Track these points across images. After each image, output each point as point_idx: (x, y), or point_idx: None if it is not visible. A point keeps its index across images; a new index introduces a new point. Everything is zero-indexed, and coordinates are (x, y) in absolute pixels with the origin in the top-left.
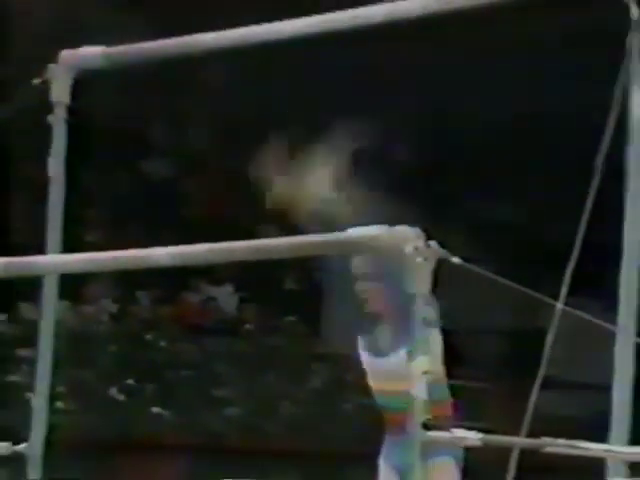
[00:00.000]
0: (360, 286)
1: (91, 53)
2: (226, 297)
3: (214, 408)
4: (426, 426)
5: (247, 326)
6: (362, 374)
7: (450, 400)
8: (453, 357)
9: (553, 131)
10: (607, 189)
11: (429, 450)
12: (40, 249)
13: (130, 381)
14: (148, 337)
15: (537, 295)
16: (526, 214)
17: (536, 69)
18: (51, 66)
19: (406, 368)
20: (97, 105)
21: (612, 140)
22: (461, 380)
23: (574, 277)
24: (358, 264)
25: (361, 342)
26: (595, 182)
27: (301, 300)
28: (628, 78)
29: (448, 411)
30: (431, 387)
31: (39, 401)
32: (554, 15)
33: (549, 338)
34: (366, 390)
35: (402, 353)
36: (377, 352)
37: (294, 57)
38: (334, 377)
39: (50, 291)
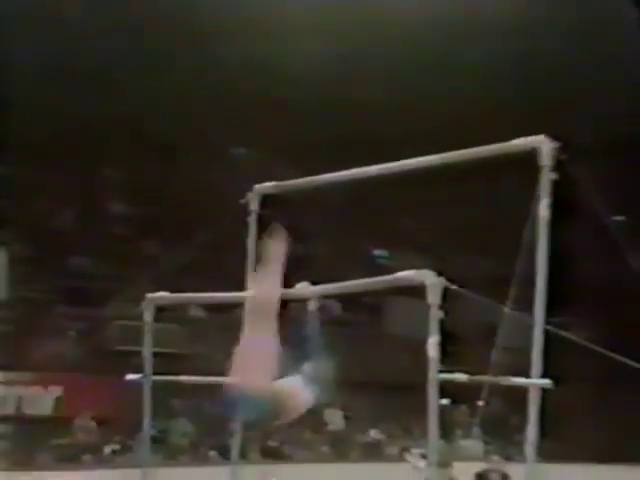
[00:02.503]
0: None
1: (268, 186)
2: (333, 305)
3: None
4: None
5: (346, 319)
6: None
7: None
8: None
9: None
10: None
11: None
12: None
13: None
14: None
15: (496, 303)
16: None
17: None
18: (256, 190)
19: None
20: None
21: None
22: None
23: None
24: None
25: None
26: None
27: (372, 307)
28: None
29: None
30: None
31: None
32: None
33: (500, 329)
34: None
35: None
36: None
37: None
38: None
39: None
